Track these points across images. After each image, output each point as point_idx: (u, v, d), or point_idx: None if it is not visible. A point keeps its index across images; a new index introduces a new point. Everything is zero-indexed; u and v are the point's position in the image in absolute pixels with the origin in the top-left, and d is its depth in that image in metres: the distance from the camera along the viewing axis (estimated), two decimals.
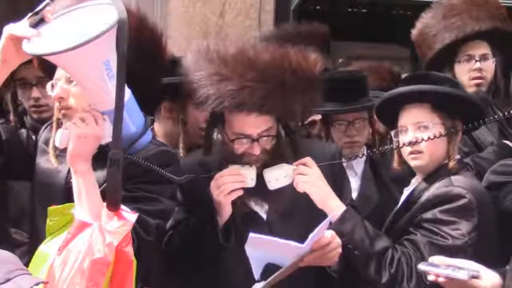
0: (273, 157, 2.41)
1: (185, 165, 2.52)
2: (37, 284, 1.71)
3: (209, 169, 2.48)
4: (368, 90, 3.08)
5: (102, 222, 1.97)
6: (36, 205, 2.46)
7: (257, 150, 2.38)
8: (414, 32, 3.39)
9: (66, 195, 2.28)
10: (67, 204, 2.19)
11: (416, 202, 2.53)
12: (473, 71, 3.22)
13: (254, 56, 2.32)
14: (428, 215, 2.45)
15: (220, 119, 2.45)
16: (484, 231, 2.43)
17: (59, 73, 2.29)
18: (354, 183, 3.01)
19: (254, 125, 2.37)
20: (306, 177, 2.39)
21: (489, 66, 3.26)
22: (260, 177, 2.38)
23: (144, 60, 2.36)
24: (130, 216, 2.00)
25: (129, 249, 1.95)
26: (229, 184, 2.35)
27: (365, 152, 3.01)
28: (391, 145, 2.58)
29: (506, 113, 2.24)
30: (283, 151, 2.44)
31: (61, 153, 2.34)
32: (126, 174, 2.15)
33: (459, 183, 2.45)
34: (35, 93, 3.07)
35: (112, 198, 1.99)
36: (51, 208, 2.19)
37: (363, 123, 3.07)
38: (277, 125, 2.44)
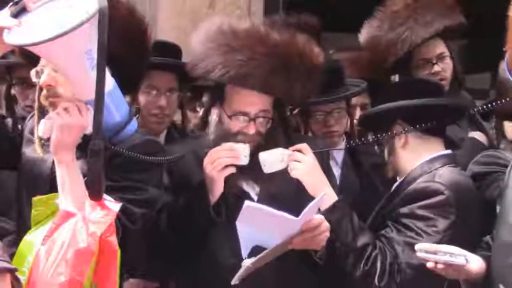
0: (266, 140, 2.45)
1: (176, 151, 2.52)
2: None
3: (200, 155, 2.48)
4: (345, 80, 3.07)
5: (85, 212, 1.98)
6: (23, 194, 2.45)
7: (252, 130, 2.42)
8: (361, 39, 3.35)
9: (51, 184, 2.27)
10: (52, 194, 2.19)
11: (400, 194, 2.55)
12: (432, 75, 3.20)
13: (265, 33, 2.39)
14: (406, 209, 2.47)
15: (219, 97, 2.48)
16: (466, 226, 2.44)
17: (43, 60, 2.27)
18: (335, 172, 3.02)
19: (253, 104, 2.41)
20: (301, 164, 2.41)
21: (447, 64, 3.24)
22: (253, 159, 2.40)
23: (131, 49, 2.37)
24: (114, 205, 2.02)
25: (113, 239, 1.97)
26: (223, 159, 2.37)
27: (344, 142, 3.05)
28: (370, 138, 2.64)
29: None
30: (276, 136, 2.47)
31: (46, 143, 2.33)
32: (111, 164, 2.17)
33: (440, 179, 2.47)
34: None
35: (94, 188, 2.00)
36: (35, 198, 2.20)
37: (341, 113, 3.07)
38: (273, 110, 2.47)
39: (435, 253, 2.14)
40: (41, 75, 2.28)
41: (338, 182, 2.97)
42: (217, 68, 2.36)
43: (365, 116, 2.86)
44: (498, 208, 2.29)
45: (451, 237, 2.39)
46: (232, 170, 2.39)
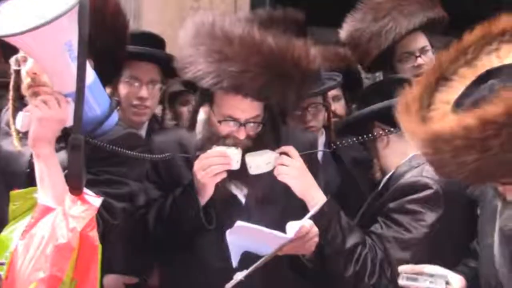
0: (256, 144, 2.42)
1: (162, 143, 2.51)
2: None
3: (188, 148, 2.48)
4: (321, 74, 3.07)
5: (65, 206, 1.96)
6: None
7: (242, 135, 2.38)
8: (343, 34, 3.36)
9: (29, 178, 2.25)
10: (30, 188, 2.17)
11: (388, 190, 2.58)
12: (416, 68, 3.22)
13: (260, 40, 2.31)
14: (395, 205, 2.50)
15: (208, 97, 2.44)
16: (453, 219, 2.48)
17: None
18: None
19: (244, 110, 2.37)
20: (288, 169, 2.40)
21: (430, 57, 3.26)
22: (241, 161, 2.38)
23: (117, 43, 2.41)
24: (94, 200, 2.00)
25: (94, 234, 1.95)
26: (215, 166, 2.34)
27: (323, 135, 3.08)
28: (354, 138, 2.63)
29: None
30: (266, 139, 2.45)
31: (24, 136, 2.30)
32: (91, 157, 2.15)
33: (428, 173, 2.49)
34: None
35: (74, 182, 1.98)
36: (13, 192, 2.17)
37: (317, 107, 3.06)
38: (264, 113, 2.44)
39: (416, 277, 2.13)
40: (22, 63, 2.26)
41: None
42: (209, 77, 2.30)
43: (343, 123, 2.90)
44: (478, 211, 2.30)
45: (438, 231, 2.43)
46: (224, 175, 2.37)
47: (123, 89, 2.93)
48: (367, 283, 2.42)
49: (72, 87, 2.09)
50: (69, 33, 2.03)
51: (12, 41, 2.04)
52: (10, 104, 2.34)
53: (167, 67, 2.84)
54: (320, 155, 3.05)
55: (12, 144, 2.35)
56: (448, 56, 1.89)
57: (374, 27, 3.22)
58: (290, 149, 2.43)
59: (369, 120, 2.63)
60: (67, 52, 2.07)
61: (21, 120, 2.18)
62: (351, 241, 2.44)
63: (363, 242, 2.46)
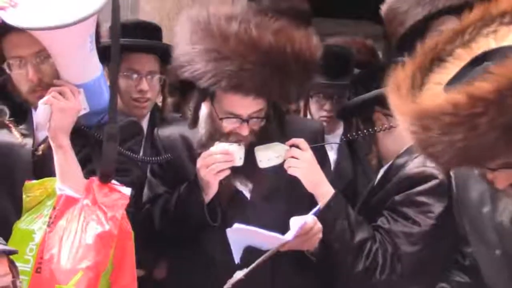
0: (260, 138, 2.43)
1: (166, 137, 2.56)
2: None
3: (191, 143, 2.52)
4: (352, 68, 3.15)
5: (96, 196, 2.03)
6: None
7: (245, 131, 2.39)
8: (384, 7, 3.45)
9: (34, 169, 2.31)
10: (46, 178, 2.23)
11: (391, 180, 2.58)
12: None
13: (257, 36, 2.30)
14: (401, 197, 2.51)
15: (209, 94, 2.44)
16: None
17: (21, 51, 2.27)
18: (331, 157, 3.04)
19: (245, 106, 2.38)
20: (299, 162, 2.42)
21: None
22: (246, 156, 2.40)
23: None
24: (124, 189, 2.07)
25: (127, 221, 2.04)
26: (218, 164, 2.36)
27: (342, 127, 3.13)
28: (368, 130, 2.68)
29: None
30: (271, 133, 2.45)
31: (24, 128, 2.37)
32: (95, 147, 2.22)
33: (432, 163, 2.46)
34: None
35: (107, 171, 2.04)
36: (28, 183, 2.22)
37: (341, 99, 3.14)
38: (267, 106, 2.44)
39: None
40: (15, 67, 2.29)
41: (333, 168, 3.01)
42: (206, 77, 2.31)
43: (343, 108, 2.92)
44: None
45: (445, 221, 2.46)
46: (227, 172, 2.39)
47: (122, 82, 2.94)
48: (378, 279, 2.44)
49: (84, 78, 2.20)
50: (93, 26, 2.11)
51: (38, 33, 2.09)
52: None
53: (165, 56, 2.85)
54: (336, 145, 3.14)
55: (8, 136, 2.40)
56: (445, 37, 1.88)
57: None
58: (300, 141, 2.44)
59: (370, 105, 2.64)
60: (88, 44, 2.15)
61: (43, 112, 2.24)
62: (359, 236, 2.45)
63: (373, 237, 2.47)
